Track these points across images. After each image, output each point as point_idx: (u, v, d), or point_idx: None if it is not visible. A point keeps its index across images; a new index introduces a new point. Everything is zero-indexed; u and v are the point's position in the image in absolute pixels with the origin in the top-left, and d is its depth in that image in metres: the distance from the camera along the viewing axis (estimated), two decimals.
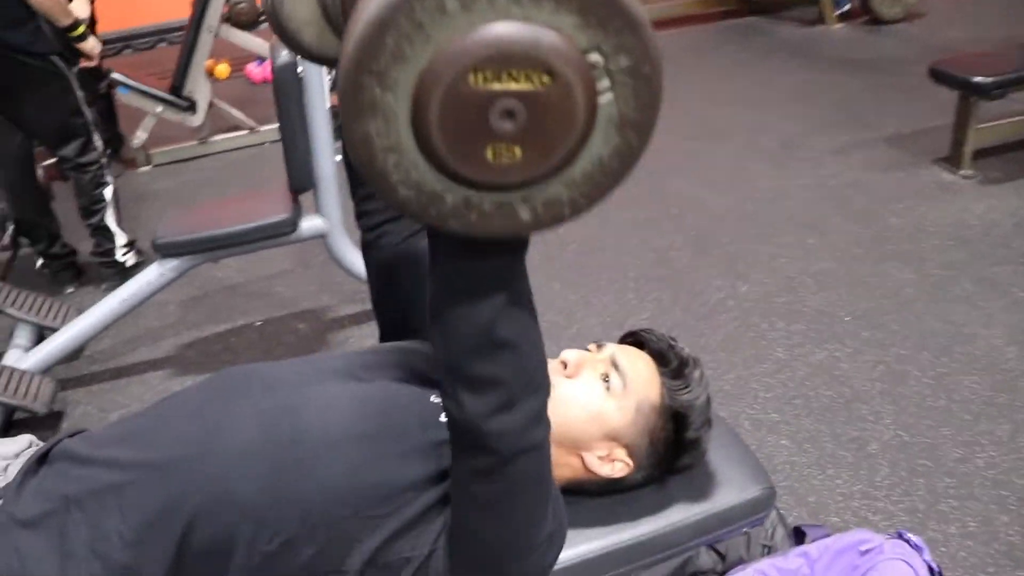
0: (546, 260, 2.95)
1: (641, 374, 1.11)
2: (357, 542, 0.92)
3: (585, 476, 1.11)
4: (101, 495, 0.95)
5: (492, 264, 0.77)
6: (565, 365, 1.11)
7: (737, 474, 1.19)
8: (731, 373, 2.25)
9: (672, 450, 1.13)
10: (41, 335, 2.59)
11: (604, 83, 0.63)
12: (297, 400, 1.00)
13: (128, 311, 2.45)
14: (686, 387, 1.12)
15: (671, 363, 1.13)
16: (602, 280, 2.80)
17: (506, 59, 0.60)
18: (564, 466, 1.10)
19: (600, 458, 1.09)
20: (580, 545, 1.10)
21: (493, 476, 0.85)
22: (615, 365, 1.11)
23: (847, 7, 5.29)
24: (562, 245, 3.04)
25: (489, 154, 0.63)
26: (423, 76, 0.61)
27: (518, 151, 0.63)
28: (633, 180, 2.75)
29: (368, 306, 2.61)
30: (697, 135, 3.87)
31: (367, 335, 2.57)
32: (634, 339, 1.19)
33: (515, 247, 0.77)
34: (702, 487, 1.16)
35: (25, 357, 2.42)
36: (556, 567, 1.04)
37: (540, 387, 0.83)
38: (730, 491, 1.16)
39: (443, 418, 0.97)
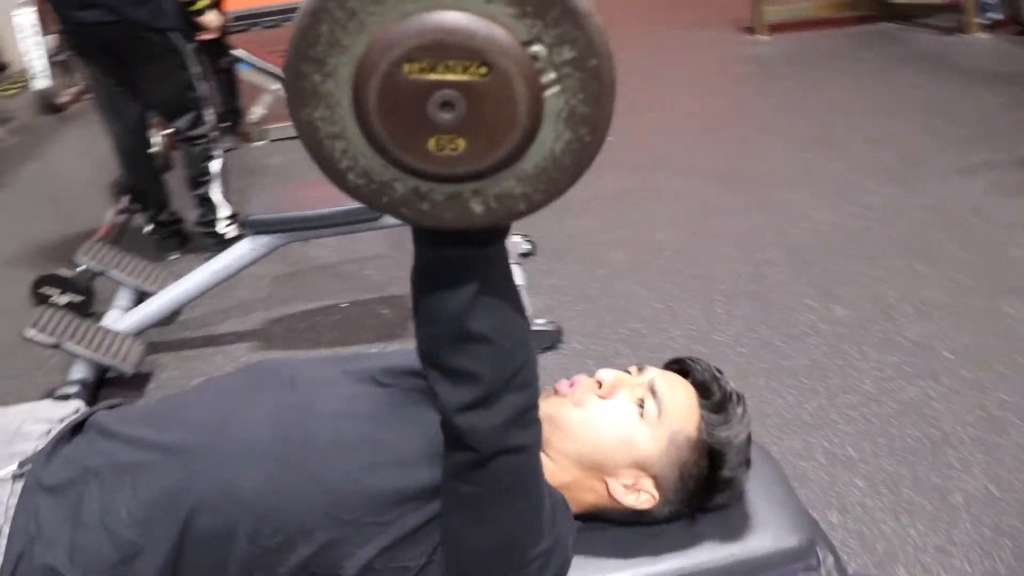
0: (637, 265, 2.88)
1: (679, 404, 1.05)
2: (356, 547, 0.91)
3: (608, 503, 1.06)
4: (118, 471, 0.97)
5: (461, 254, 0.75)
6: (600, 384, 1.07)
7: (775, 520, 1.11)
8: (812, 402, 2.13)
9: (704, 487, 1.06)
10: (142, 298, 2.71)
11: (550, 76, 0.61)
12: (313, 400, 1.00)
13: (218, 283, 2.53)
14: (726, 423, 1.06)
15: (713, 396, 1.07)
16: (691, 290, 2.71)
17: (440, 49, 0.59)
18: (587, 490, 1.06)
19: (625, 486, 1.04)
20: (595, 575, 1.05)
21: (472, 475, 0.84)
22: (653, 391, 1.06)
23: (995, 17, 4.95)
24: (656, 251, 2.96)
25: (432, 145, 0.62)
26: (360, 64, 0.60)
27: (462, 143, 0.62)
28: (737, 187, 2.69)
29: None
30: (813, 144, 3.70)
31: None
32: (679, 366, 1.13)
33: (485, 238, 0.75)
34: (735, 529, 1.09)
35: (122, 319, 2.54)
36: None
37: (525, 387, 0.81)
38: (764, 537, 1.08)
39: None
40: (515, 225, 2.78)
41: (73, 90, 5.18)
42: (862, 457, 1.94)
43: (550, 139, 0.64)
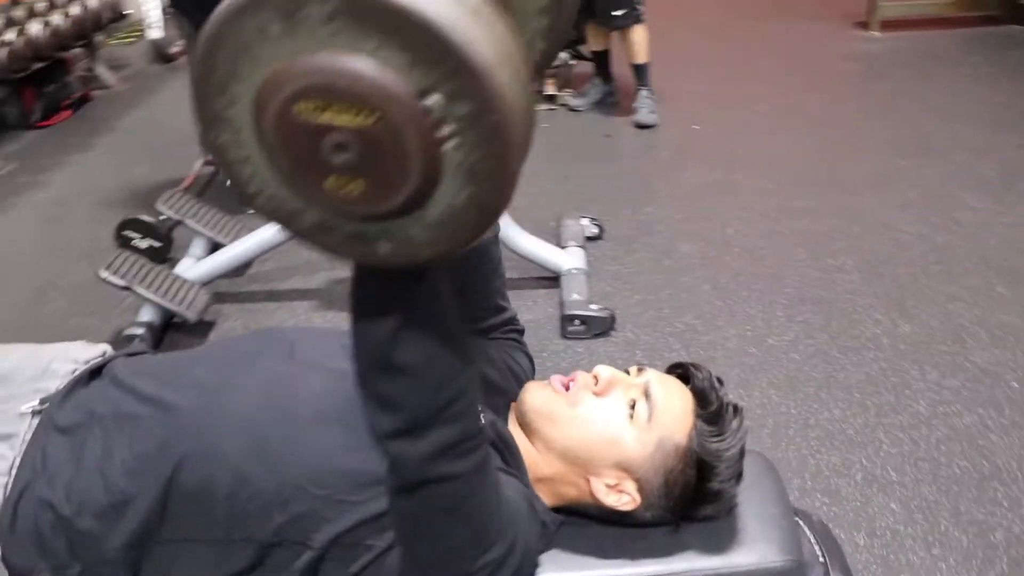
0: (704, 260, 2.83)
1: (672, 410, 1.04)
2: (325, 521, 0.94)
3: (590, 500, 1.06)
4: (120, 420, 1.02)
5: (388, 285, 0.75)
6: (596, 380, 1.06)
7: (764, 538, 1.08)
8: (859, 418, 2.06)
9: (691, 497, 1.05)
10: (215, 249, 2.82)
11: (447, 128, 0.58)
12: (305, 373, 1.03)
13: (285, 240, 2.60)
14: (719, 435, 1.04)
15: (710, 405, 1.05)
16: (755, 291, 2.64)
17: (328, 91, 0.57)
18: (570, 485, 1.06)
19: (608, 486, 1.04)
20: (568, 571, 1.05)
21: (406, 497, 0.86)
22: (647, 393, 1.05)
23: None
24: (724, 247, 2.90)
25: (330, 184, 0.61)
26: (259, 95, 0.59)
27: (360, 185, 0.60)
28: (819, 189, 2.65)
29: (512, 274, 2.64)
30: (906, 151, 3.53)
31: None
32: (682, 372, 1.11)
33: (413, 273, 0.75)
34: (719, 541, 1.07)
35: (193, 267, 2.65)
36: None
37: (457, 419, 0.81)
38: (748, 554, 1.06)
39: None
40: (585, 207, 2.75)
41: (184, 41, 5.36)
42: (902, 481, 1.86)
43: (451, 192, 0.62)
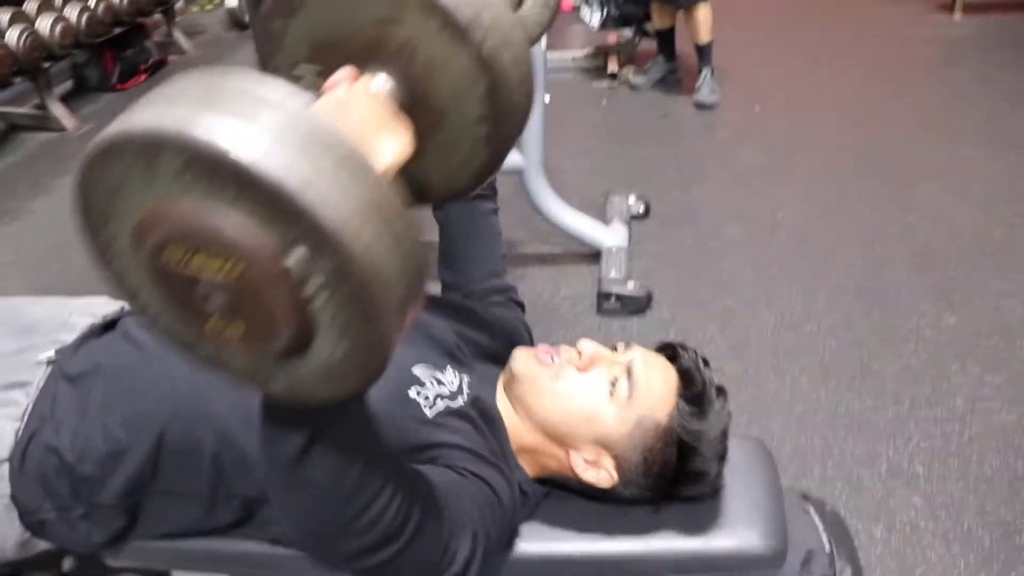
0: (749, 242, 2.78)
1: (654, 388, 1.04)
2: None
3: (569, 474, 1.07)
4: (121, 372, 1.06)
5: (295, 410, 0.72)
6: (580, 355, 1.07)
7: (747, 521, 1.07)
8: (891, 409, 2.01)
9: (672, 477, 1.05)
10: None
11: (315, 284, 0.56)
12: None
13: None
14: (700, 415, 1.03)
15: (694, 386, 1.04)
16: (797, 277, 2.59)
17: (191, 241, 0.55)
18: (550, 457, 1.07)
19: (586, 461, 1.05)
20: (545, 542, 1.06)
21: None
22: (629, 372, 1.04)
23: None
24: (773, 231, 2.85)
25: (213, 325, 0.59)
26: (134, 236, 0.58)
27: (241, 327, 0.59)
28: (877, 176, 2.65)
29: (555, 248, 2.64)
30: (974, 140, 3.39)
31: (545, 276, 2.60)
32: (670, 351, 1.10)
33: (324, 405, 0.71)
34: (700, 523, 1.07)
35: None
36: (511, 557, 1.03)
37: (370, 528, 0.79)
38: (729, 537, 1.06)
39: (412, 394, 0.98)
40: (636, 184, 2.74)
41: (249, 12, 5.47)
42: (928, 476, 1.82)
43: (329, 345, 0.60)
